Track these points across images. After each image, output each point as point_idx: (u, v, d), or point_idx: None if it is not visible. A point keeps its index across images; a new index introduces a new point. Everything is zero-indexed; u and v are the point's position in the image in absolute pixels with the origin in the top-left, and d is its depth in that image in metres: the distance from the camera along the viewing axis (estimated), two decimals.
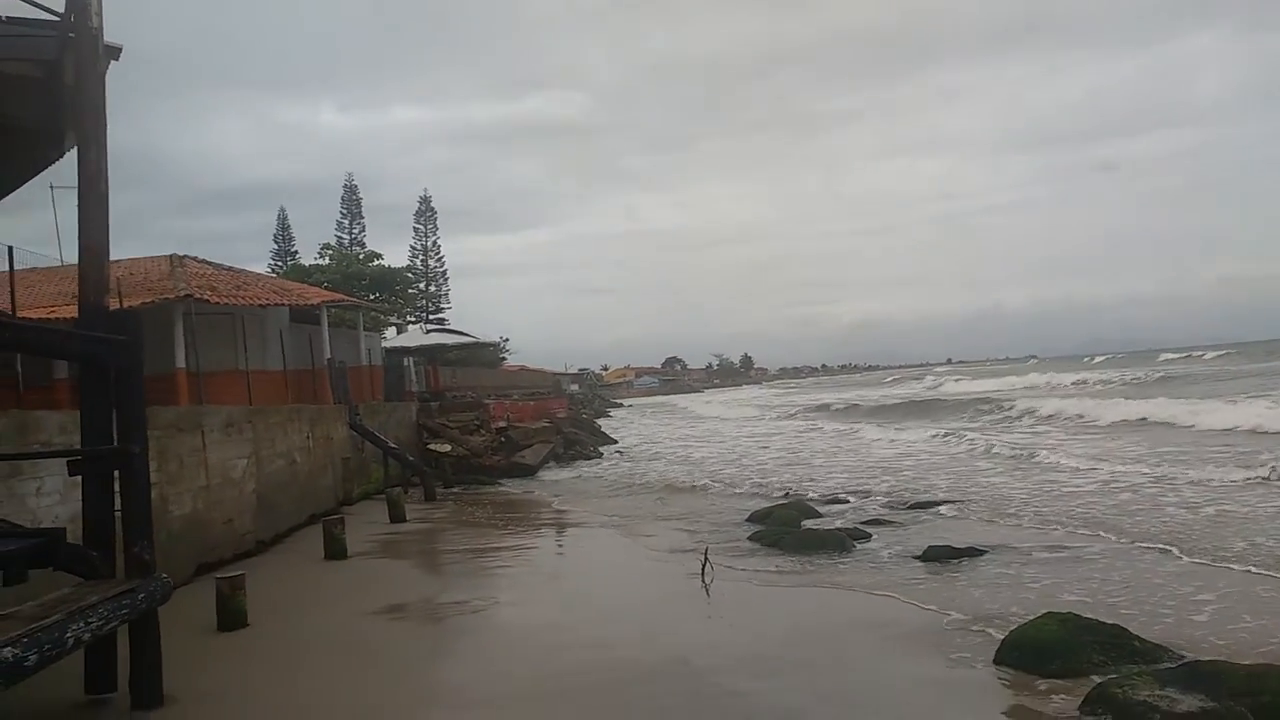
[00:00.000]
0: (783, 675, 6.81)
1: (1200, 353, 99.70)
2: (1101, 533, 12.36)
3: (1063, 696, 6.10)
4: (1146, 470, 18.21)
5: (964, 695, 6.31)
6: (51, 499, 8.13)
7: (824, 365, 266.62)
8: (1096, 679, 6.20)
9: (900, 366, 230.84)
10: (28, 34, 8.96)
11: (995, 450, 24.62)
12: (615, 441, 38.60)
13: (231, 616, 8.50)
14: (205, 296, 20.14)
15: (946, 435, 30.37)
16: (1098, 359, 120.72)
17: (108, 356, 6.28)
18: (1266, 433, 24.02)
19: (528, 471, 27.29)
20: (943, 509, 15.49)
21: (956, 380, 79.72)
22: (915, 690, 6.48)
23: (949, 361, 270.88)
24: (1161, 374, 61.66)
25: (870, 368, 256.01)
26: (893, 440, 31.20)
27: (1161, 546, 11.23)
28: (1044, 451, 23.05)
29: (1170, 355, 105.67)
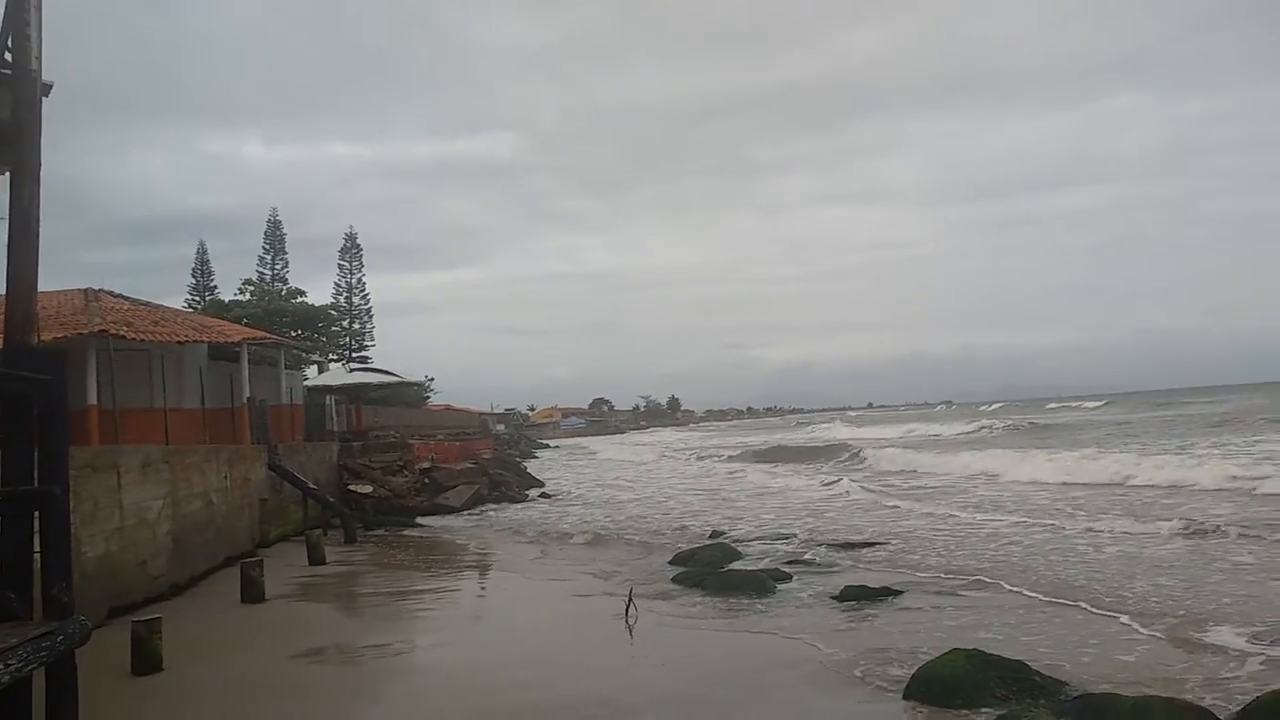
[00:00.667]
0: (706, 713, 7.03)
1: (1079, 402, 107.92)
2: (1004, 578, 12.80)
3: None
4: (1046, 521, 18.98)
5: None
6: None
7: (749, 408, 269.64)
8: (999, 712, 6.56)
9: (821, 410, 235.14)
10: None
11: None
12: (542, 484, 38.44)
13: (147, 660, 8.34)
14: (120, 332, 19.66)
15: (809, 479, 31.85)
16: (995, 405, 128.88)
17: (31, 396, 6.23)
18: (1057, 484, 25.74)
19: (452, 512, 27.07)
20: (861, 551, 15.91)
21: (849, 426, 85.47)
22: None
23: (869, 405, 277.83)
24: (1030, 423, 64.67)
25: (794, 410, 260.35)
26: (772, 483, 32.81)
27: (1063, 593, 11.73)
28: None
29: (1054, 405, 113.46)
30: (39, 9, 6.90)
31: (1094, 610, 10.38)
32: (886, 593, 11.82)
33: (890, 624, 10.23)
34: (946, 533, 17.65)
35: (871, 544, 16.63)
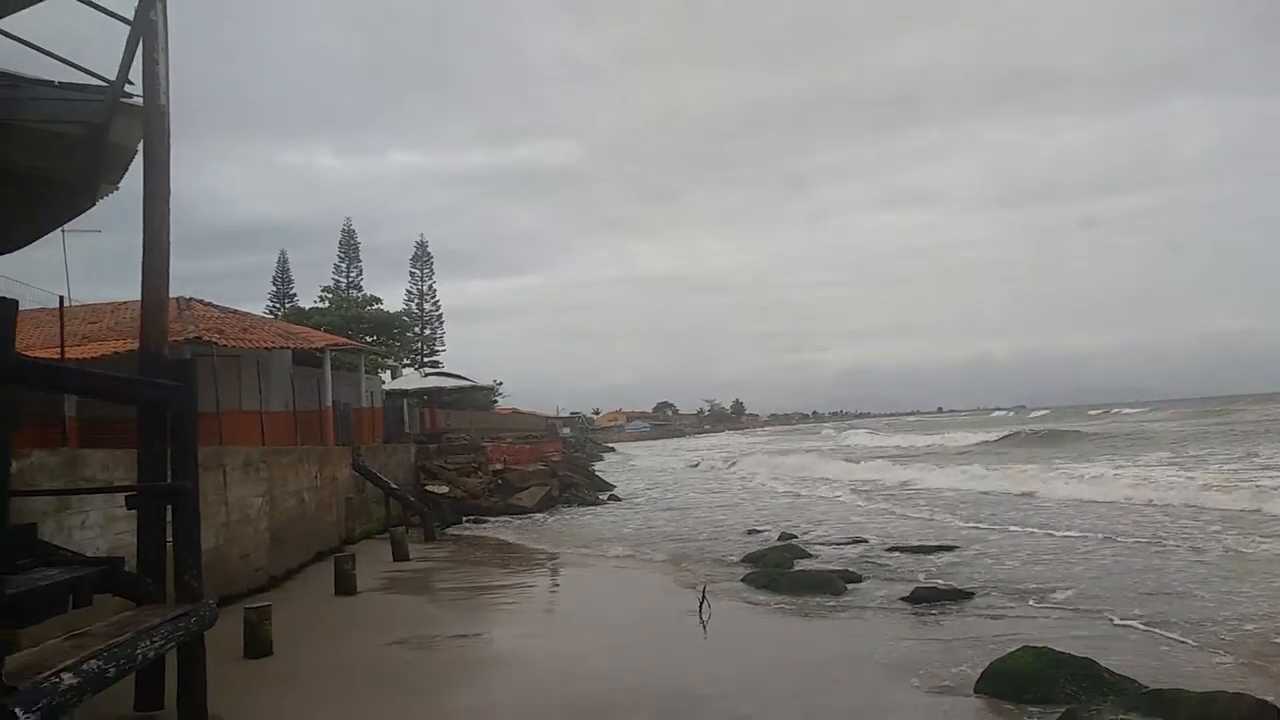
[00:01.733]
0: (778, 700, 7.37)
1: (1119, 409, 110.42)
2: (1076, 588, 12.76)
3: None
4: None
5: (946, 718, 6.87)
6: (94, 531, 8.67)
7: (815, 412, 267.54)
8: (1068, 707, 6.76)
9: (888, 414, 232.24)
10: (78, 98, 9.73)
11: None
12: (611, 486, 38.96)
13: (258, 645, 9.00)
14: (213, 339, 20.71)
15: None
16: (1037, 412, 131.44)
17: (167, 401, 6.90)
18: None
19: (524, 513, 27.73)
20: (931, 557, 15.95)
21: (871, 433, 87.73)
22: (901, 713, 7.05)
23: (939, 410, 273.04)
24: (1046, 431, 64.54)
25: (859, 414, 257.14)
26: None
27: (1132, 603, 11.75)
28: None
29: (1094, 411, 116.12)
30: (167, 50, 7.60)
31: (1160, 621, 10.41)
32: (957, 595, 11.95)
33: (961, 626, 10.40)
34: (1016, 544, 17.53)
35: (944, 548, 16.67)
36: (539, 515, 27.73)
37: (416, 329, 66.76)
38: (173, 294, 25.33)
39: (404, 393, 36.93)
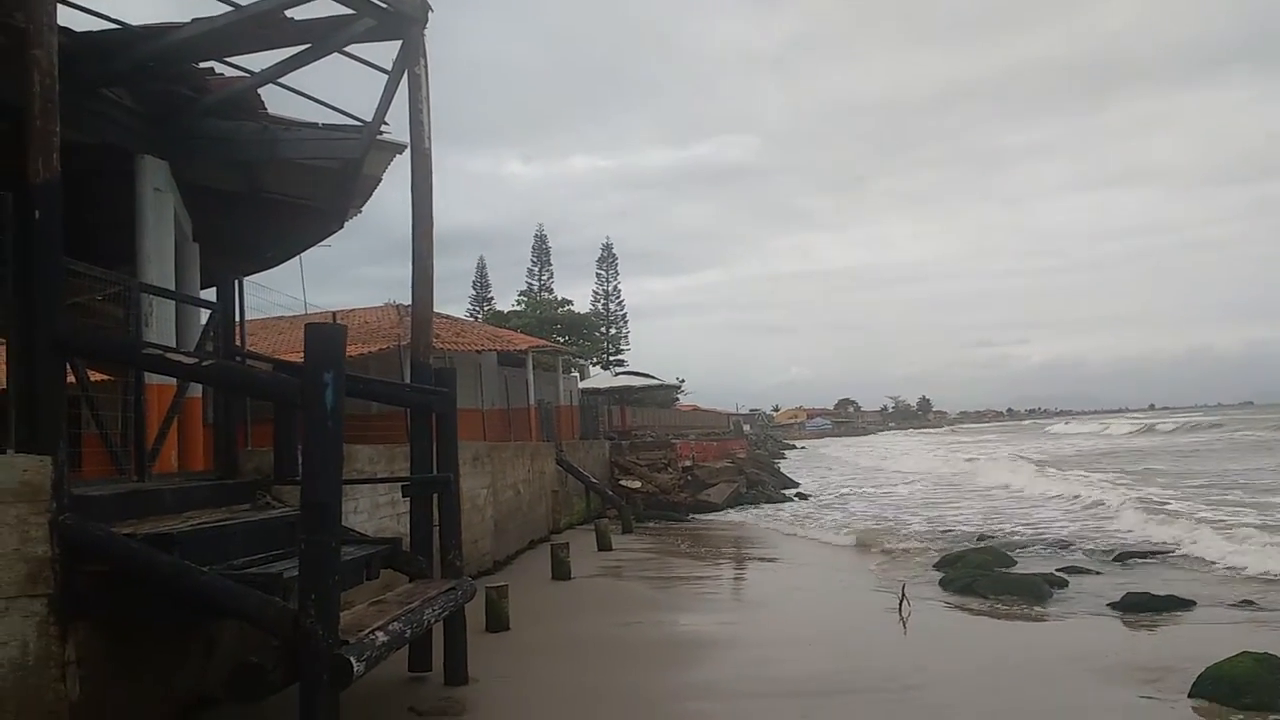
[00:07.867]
0: (985, 694, 7.68)
1: None
2: None
3: None
4: None
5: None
6: (364, 515, 10.02)
7: (1009, 410, 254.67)
8: None
9: (1093, 412, 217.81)
10: (337, 137, 11.20)
11: None
12: (797, 484, 39.14)
13: (498, 620, 10.12)
14: (431, 343, 22.65)
15: None
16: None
17: (434, 405, 8.02)
18: None
19: (714, 509, 28.46)
20: (1148, 560, 15.44)
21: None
22: (1110, 714, 7.19)
23: (1151, 407, 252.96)
24: None
25: (1060, 412, 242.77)
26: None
27: None
28: None
29: None
30: (428, 100, 8.72)
31: None
32: (1173, 602, 11.60)
33: (1176, 631, 10.23)
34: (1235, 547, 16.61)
35: (1155, 553, 16.07)
36: (728, 512, 28.36)
37: (603, 329, 69.17)
38: (385, 300, 27.88)
39: (597, 391, 38.60)
